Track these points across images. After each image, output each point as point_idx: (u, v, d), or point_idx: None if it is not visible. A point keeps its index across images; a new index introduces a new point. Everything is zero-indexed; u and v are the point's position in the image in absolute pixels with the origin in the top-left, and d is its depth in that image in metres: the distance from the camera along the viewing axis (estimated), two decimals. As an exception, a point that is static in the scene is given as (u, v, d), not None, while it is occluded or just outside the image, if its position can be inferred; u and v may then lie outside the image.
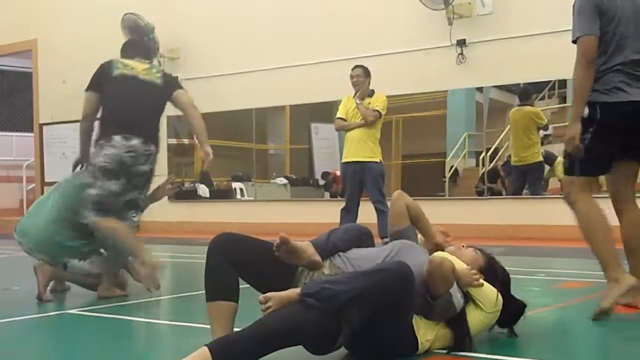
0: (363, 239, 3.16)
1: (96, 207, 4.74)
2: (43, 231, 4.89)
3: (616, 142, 4.11)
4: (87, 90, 5.08)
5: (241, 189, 12.79)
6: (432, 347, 2.96)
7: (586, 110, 4.07)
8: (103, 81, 5.03)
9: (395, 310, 2.73)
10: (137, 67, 5.08)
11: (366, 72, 7.96)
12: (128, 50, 5.37)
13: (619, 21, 4.11)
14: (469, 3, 10.00)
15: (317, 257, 2.98)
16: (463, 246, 3.31)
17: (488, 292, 3.08)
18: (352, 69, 8.05)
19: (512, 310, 3.26)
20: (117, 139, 4.74)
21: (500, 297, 3.12)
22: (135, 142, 4.75)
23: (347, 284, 2.65)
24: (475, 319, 3.05)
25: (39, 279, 4.80)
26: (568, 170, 4.21)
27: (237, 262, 2.94)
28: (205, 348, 2.48)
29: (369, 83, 7.98)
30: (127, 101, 4.93)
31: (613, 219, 4.23)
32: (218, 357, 2.45)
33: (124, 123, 4.81)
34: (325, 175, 12.40)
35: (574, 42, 4.09)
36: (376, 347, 2.81)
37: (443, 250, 3.23)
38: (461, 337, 2.98)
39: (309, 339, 2.68)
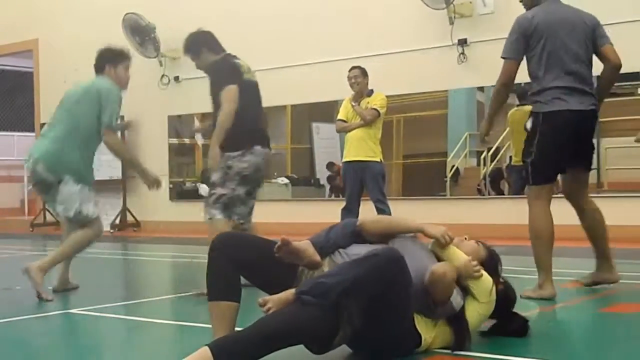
0: (362, 233, 3.15)
1: (222, 207, 5.02)
2: (52, 147, 5.08)
3: (562, 152, 4.57)
4: (233, 83, 5.12)
5: (242, 189, 12.77)
6: (432, 346, 2.95)
7: (529, 123, 4.65)
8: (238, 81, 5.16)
9: (393, 297, 2.73)
10: (248, 67, 5.36)
11: (364, 73, 7.97)
12: (217, 46, 5.51)
13: (546, 40, 4.55)
14: (470, 2, 9.99)
15: (317, 257, 2.99)
16: (465, 238, 3.29)
17: (484, 282, 3.08)
18: (350, 70, 8.05)
19: (514, 327, 3.28)
20: (258, 147, 5.17)
21: (494, 287, 3.12)
22: (267, 149, 5.26)
23: (340, 275, 2.66)
24: (473, 311, 3.05)
25: (33, 278, 4.79)
26: (526, 179, 4.69)
27: (238, 261, 2.94)
28: (206, 348, 2.48)
29: (367, 83, 7.99)
30: (259, 111, 5.37)
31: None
32: (219, 357, 2.45)
33: (262, 134, 5.35)
34: (330, 165, 12.38)
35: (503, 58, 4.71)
36: (378, 340, 2.81)
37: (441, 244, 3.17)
38: (461, 335, 2.98)
39: (310, 336, 2.68)
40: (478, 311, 3.08)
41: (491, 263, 3.25)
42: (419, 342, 2.91)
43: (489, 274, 3.14)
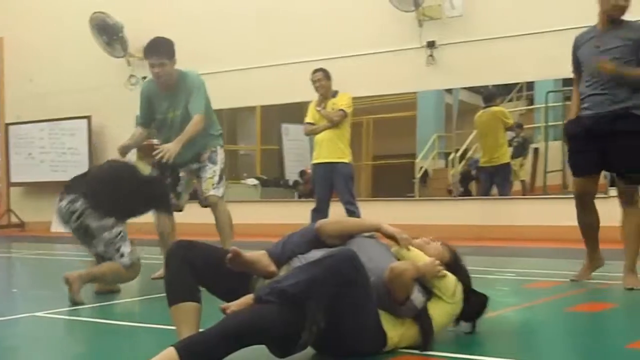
0: (320, 237, 3.15)
1: None
2: None
3: None
4: None
5: (211, 190, 12.70)
6: (399, 345, 2.96)
7: None
8: None
9: (352, 296, 2.74)
10: None
11: (327, 75, 7.97)
12: None
13: None
14: (439, 5, 10.05)
15: (272, 268, 3.01)
16: (431, 239, 3.32)
17: (448, 282, 3.10)
18: (313, 73, 8.03)
19: (474, 303, 3.28)
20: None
21: (460, 286, 3.14)
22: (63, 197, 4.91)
23: (295, 278, 2.68)
24: (441, 310, 3.05)
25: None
26: None
27: (194, 267, 2.96)
28: (172, 348, 2.47)
29: (331, 85, 7.99)
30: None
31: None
32: (185, 357, 2.45)
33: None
34: (302, 173, 12.40)
35: None
36: (342, 340, 2.80)
37: (397, 241, 3.18)
38: (426, 332, 3.00)
39: (273, 333, 2.66)
40: (446, 311, 3.08)
41: (455, 264, 3.27)
42: (384, 341, 2.91)
43: (453, 273, 3.16)
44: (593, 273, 5.21)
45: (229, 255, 2.90)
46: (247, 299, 2.71)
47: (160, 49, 5.66)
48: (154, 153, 5.17)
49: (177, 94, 5.65)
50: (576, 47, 5.05)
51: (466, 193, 10.95)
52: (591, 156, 4.89)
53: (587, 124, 4.87)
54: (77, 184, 4.93)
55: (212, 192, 5.72)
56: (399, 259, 3.09)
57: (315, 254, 3.02)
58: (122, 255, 4.85)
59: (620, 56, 4.74)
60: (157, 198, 5.11)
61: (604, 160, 4.89)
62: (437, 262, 3.09)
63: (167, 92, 5.67)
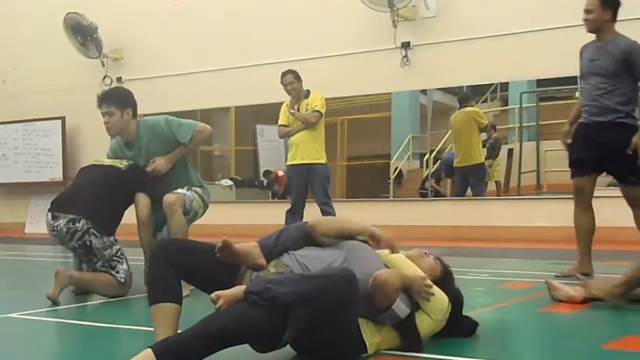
0: (313, 235, 3.10)
1: None
2: None
3: None
4: None
5: (186, 191, 12.67)
6: (379, 348, 2.97)
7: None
8: None
9: (340, 313, 2.72)
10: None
11: (297, 77, 7.92)
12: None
13: None
14: (414, 6, 10.10)
15: (262, 261, 2.97)
16: (426, 253, 3.28)
17: (438, 302, 3.07)
18: (283, 77, 7.97)
19: (464, 329, 3.30)
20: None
21: (449, 305, 3.11)
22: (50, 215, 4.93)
23: (290, 287, 2.65)
24: (423, 323, 3.04)
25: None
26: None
27: (179, 264, 2.94)
28: (149, 350, 2.46)
29: (302, 85, 7.97)
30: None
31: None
32: (162, 358, 2.44)
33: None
34: (267, 173, 12.40)
35: None
36: (321, 347, 2.81)
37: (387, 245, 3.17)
38: (411, 339, 2.99)
39: (254, 335, 2.67)
40: (429, 325, 3.06)
41: (447, 281, 3.23)
42: (363, 350, 2.91)
43: (442, 290, 3.11)
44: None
45: (219, 245, 2.88)
46: (239, 290, 2.70)
47: (110, 97, 5.03)
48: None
49: (141, 146, 5.13)
50: (580, 58, 5.44)
51: (440, 194, 11.00)
52: (585, 161, 5.25)
53: (583, 131, 5.29)
54: (70, 202, 4.88)
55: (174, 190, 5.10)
56: (387, 267, 3.08)
57: (308, 252, 3.01)
58: (117, 272, 4.86)
59: (606, 67, 5.16)
60: (139, 176, 5.07)
61: (598, 165, 5.26)
62: (428, 282, 3.04)
63: (129, 145, 5.17)
